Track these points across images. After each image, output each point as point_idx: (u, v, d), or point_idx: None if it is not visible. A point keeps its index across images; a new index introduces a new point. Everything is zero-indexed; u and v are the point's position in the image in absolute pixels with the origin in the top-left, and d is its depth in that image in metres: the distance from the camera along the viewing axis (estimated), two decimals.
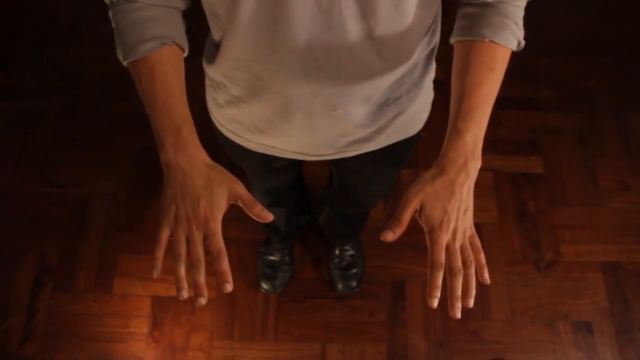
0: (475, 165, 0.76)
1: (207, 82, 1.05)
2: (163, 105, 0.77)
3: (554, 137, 2.16)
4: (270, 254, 1.87)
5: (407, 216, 0.76)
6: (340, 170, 1.33)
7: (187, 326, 1.81)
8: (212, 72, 0.97)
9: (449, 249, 0.75)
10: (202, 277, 0.74)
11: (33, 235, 1.96)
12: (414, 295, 1.86)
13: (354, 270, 1.86)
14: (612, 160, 2.12)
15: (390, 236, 0.75)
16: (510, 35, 0.79)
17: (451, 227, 0.75)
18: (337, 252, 1.87)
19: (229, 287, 0.74)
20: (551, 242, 1.95)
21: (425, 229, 0.75)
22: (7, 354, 1.77)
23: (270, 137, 1.03)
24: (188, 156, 0.76)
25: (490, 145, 2.14)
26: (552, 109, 2.23)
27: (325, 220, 1.75)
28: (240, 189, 0.77)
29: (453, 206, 0.75)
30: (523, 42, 0.81)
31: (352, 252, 1.87)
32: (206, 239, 0.74)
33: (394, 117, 1.01)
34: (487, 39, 0.78)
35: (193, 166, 0.75)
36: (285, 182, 1.40)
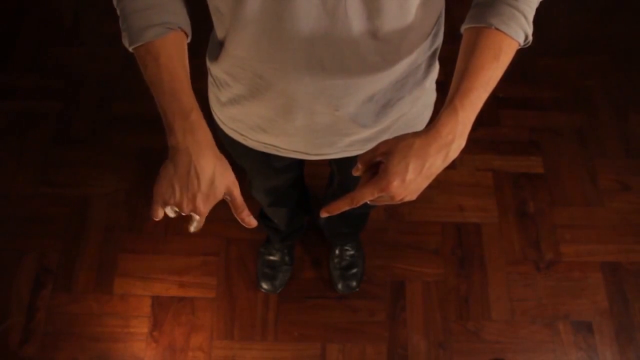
0: (459, 144, 0.76)
1: (209, 80, 1.05)
2: (170, 89, 0.78)
3: (554, 137, 2.16)
4: (270, 254, 1.87)
5: (367, 156, 0.77)
6: (342, 170, 1.33)
7: (187, 326, 1.81)
8: (215, 70, 0.98)
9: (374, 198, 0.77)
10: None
11: (33, 235, 1.96)
12: (414, 295, 1.86)
13: (354, 270, 1.86)
14: (612, 160, 2.12)
15: (357, 172, 0.79)
16: (517, 26, 0.79)
17: (402, 183, 0.74)
18: (337, 252, 1.87)
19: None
20: (551, 242, 1.95)
21: (378, 173, 0.76)
22: (7, 354, 1.77)
23: (272, 136, 1.03)
24: (196, 141, 0.77)
25: (490, 145, 2.14)
26: (552, 109, 2.23)
27: (326, 220, 1.75)
28: (236, 190, 0.80)
29: (416, 169, 0.74)
30: (530, 38, 0.81)
31: (352, 252, 1.87)
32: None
33: (397, 118, 1.01)
34: (493, 27, 0.78)
35: (200, 154, 0.77)
36: (286, 181, 1.40)
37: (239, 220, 0.82)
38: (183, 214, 0.80)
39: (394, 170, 0.74)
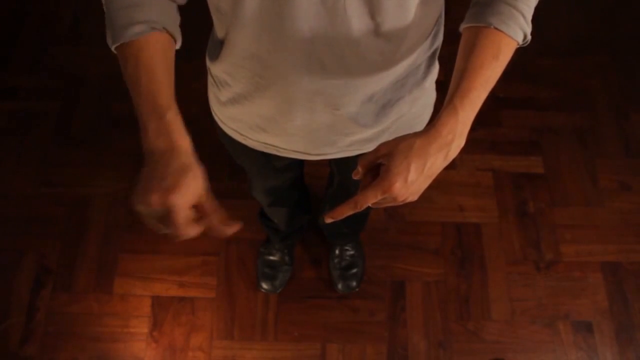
0: (459, 144, 0.76)
1: (209, 79, 1.05)
2: (146, 89, 0.74)
3: (554, 137, 2.16)
4: (270, 254, 1.87)
5: (368, 159, 0.77)
6: (341, 170, 1.33)
7: (187, 326, 1.81)
8: (215, 70, 0.97)
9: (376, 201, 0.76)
10: (214, 221, 0.71)
11: (33, 235, 1.96)
12: (414, 295, 1.86)
13: (354, 270, 1.86)
14: (612, 160, 2.12)
15: (357, 175, 0.79)
16: (516, 26, 0.79)
17: (404, 184, 0.74)
18: (337, 252, 1.87)
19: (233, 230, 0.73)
20: (551, 242, 1.95)
21: (380, 175, 0.75)
22: (7, 354, 1.77)
23: (272, 135, 1.03)
24: (170, 142, 0.71)
25: (490, 145, 2.14)
26: (552, 109, 2.23)
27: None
28: (207, 198, 0.72)
29: (417, 169, 0.74)
30: (529, 37, 0.82)
31: (352, 252, 1.87)
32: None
33: (397, 119, 1.01)
34: (492, 26, 0.78)
35: (172, 156, 0.70)
36: (286, 181, 1.40)
37: (215, 230, 0.72)
38: (154, 211, 0.68)
39: (396, 171, 0.73)
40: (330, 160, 1.29)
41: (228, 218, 0.73)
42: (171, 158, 0.70)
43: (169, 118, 0.72)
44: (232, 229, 0.73)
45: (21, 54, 2.36)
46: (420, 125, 1.09)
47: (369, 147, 1.06)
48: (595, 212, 2.01)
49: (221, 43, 0.90)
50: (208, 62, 1.00)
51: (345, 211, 0.77)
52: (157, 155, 0.70)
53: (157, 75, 0.75)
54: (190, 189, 0.69)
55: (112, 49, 0.78)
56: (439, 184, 2.00)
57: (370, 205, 0.77)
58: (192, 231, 0.70)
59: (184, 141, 0.72)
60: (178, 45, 0.82)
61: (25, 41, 2.40)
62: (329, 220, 0.79)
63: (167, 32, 0.79)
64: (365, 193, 0.75)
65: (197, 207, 0.72)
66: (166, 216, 0.68)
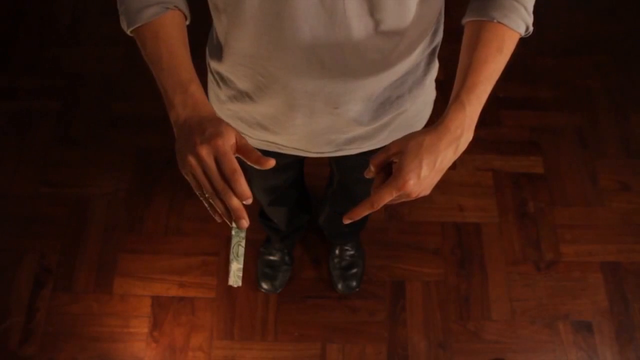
0: (467, 138, 0.78)
1: (209, 77, 1.05)
2: (169, 65, 0.78)
3: (554, 137, 2.16)
4: (270, 254, 1.87)
5: (380, 158, 0.78)
6: (341, 169, 1.33)
7: (187, 326, 1.81)
8: (215, 67, 0.98)
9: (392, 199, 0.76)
10: (234, 201, 0.72)
11: (33, 235, 1.96)
12: (414, 295, 1.86)
13: (354, 270, 1.86)
14: (612, 160, 2.12)
15: (370, 174, 0.80)
16: (518, 18, 0.80)
17: (417, 180, 0.75)
18: (337, 252, 1.87)
19: (244, 224, 0.73)
20: (551, 242, 1.95)
21: (393, 174, 0.76)
22: (7, 354, 1.77)
23: (272, 133, 1.03)
24: (196, 111, 0.76)
25: (490, 145, 2.14)
26: (552, 109, 2.23)
27: (326, 219, 1.75)
28: (243, 138, 0.76)
29: (429, 165, 0.75)
30: (531, 28, 0.83)
31: (352, 252, 1.87)
32: (217, 160, 0.72)
33: (396, 116, 1.01)
34: (495, 20, 0.79)
35: (202, 117, 0.75)
36: (286, 180, 1.40)
37: (254, 164, 0.75)
38: (208, 165, 0.71)
39: (409, 168, 0.74)
40: (330, 160, 1.29)
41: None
42: (202, 118, 0.75)
43: (192, 90, 0.77)
44: (270, 163, 0.75)
45: (21, 54, 2.37)
46: (420, 123, 1.09)
47: (369, 145, 1.06)
48: (595, 212, 2.01)
49: (221, 41, 0.90)
50: (208, 59, 1.00)
51: (362, 212, 0.77)
52: (187, 122, 0.75)
53: (177, 51, 0.79)
54: (230, 133, 0.73)
55: (128, 32, 0.82)
56: (439, 184, 1.99)
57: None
58: (244, 183, 0.71)
59: (208, 108, 0.77)
60: (188, 21, 0.86)
61: (25, 41, 2.40)
62: (347, 221, 0.79)
63: (178, 9, 0.83)
64: (381, 192, 0.75)
65: (237, 148, 0.75)
66: (216, 169, 0.71)
